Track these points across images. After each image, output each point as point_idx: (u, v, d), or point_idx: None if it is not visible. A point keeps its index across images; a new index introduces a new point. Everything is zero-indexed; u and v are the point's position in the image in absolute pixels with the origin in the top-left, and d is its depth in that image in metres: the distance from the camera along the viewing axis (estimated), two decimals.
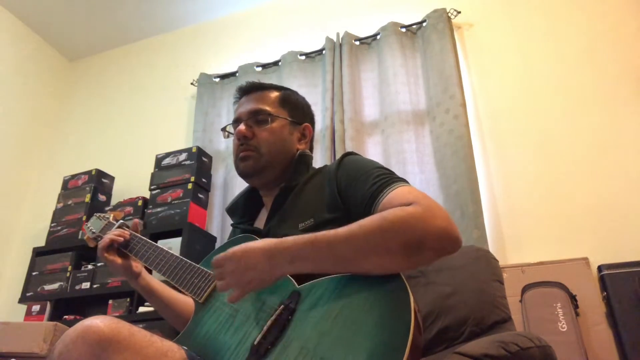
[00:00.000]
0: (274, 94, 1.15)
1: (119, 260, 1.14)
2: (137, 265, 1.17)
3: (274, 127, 1.10)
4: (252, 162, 1.08)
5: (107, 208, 2.63)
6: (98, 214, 1.37)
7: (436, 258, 0.78)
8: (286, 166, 1.11)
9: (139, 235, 1.20)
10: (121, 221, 1.29)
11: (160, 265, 1.11)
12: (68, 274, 2.43)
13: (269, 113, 1.11)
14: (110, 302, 2.26)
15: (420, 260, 0.78)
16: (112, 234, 1.16)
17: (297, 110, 1.17)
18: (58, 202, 2.71)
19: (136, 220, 1.22)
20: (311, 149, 1.20)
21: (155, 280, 1.19)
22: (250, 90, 1.17)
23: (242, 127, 1.10)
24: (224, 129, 1.22)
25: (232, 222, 1.22)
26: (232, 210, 1.21)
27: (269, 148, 1.08)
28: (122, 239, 1.16)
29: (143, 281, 1.17)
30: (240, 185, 2.29)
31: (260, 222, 1.13)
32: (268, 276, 0.84)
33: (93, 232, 1.32)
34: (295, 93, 1.21)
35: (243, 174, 1.11)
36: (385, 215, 0.79)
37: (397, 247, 0.76)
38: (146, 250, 1.15)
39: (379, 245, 0.77)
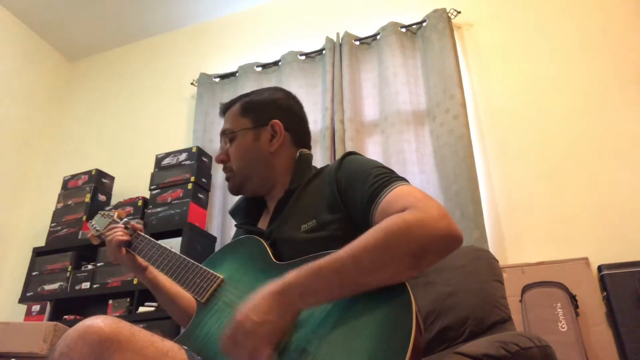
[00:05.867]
0: (236, 108, 1.17)
1: (124, 254, 1.19)
2: (143, 259, 1.19)
3: (238, 143, 1.13)
4: (231, 183, 1.14)
5: (107, 208, 2.63)
6: (102, 212, 1.37)
7: (440, 259, 0.78)
8: (266, 172, 1.11)
9: (142, 234, 1.21)
10: (125, 219, 1.29)
11: (162, 264, 1.11)
12: (68, 274, 2.43)
13: (230, 131, 1.14)
14: (110, 302, 2.26)
15: (425, 264, 0.77)
16: (119, 234, 1.21)
17: (260, 111, 1.14)
18: (58, 202, 2.71)
19: (132, 223, 1.25)
20: (301, 140, 1.16)
21: (162, 275, 1.20)
22: (224, 112, 1.20)
23: (219, 154, 1.16)
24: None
25: (234, 222, 1.23)
26: (234, 212, 1.21)
27: (237, 164, 1.12)
28: (126, 237, 1.21)
29: (150, 274, 1.20)
30: None
31: (263, 224, 1.13)
32: (284, 320, 0.77)
33: (97, 230, 1.32)
34: (259, 93, 1.18)
35: (231, 193, 1.17)
36: (385, 229, 0.77)
37: (403, 259, 0.75)
38: (149, 249, 1.15)
39: (385, 260, 0.75)
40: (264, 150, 1.11)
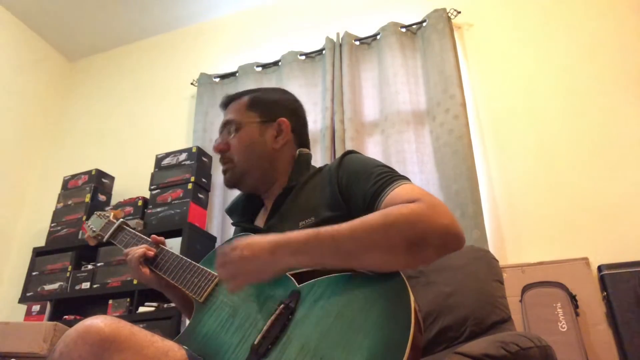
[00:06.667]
0: (244, 101, 1.16)
1: (148, 272, 1.13)
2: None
3: (242, 134, 1.11)
4: (229, 174, 1.12)
5: (107, 208, 2.63)
6: (98, 212, 1.36)
7: (439, 256, 0.78)
8: (268, 167, 1.11)
9: (139, 234, 1.21)
10: (121, 220, 1.29)
11: (160, 263, 1.11)
12: (68, 274, 2.43)
13: (236, 121, 1.13)
14: (110, 302, 2.26)
15: (422, 257, 0.78)
16: (143, 250, 1.14)
17: (268, 108, 1.15)
18: (58, 202, 2.71)
19: (154, 236, 1.20)
20: (303, 143, 1.17)
21: None
22: (227, 103, 1.19)
23: (216, 143, 1.14)
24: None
25: (232, 221, 1.22)
26: (231, 210, 1.21)
27: (239, 156, 1.11)
28: (152, 253, 1.14)
29: (181, 291, 1.15)
30: None
31: (260, 222, 1.13)
32: (269, 268, 0.84)
33: (94, 231, 1.31)
34: (268, 91, 1.20)
35: (227, 186, 1.15)
36: (388, 212, 0.79)
37: (399, 244, 0.76)
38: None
39: (381, 241, 0.77)
40: (269, 146, 1.11)
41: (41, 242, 2.68)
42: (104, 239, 1.29)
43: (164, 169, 2.53)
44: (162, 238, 1.18)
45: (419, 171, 2.24)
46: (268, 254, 0.83)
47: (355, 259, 0.79)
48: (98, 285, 2.33)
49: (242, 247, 0.85)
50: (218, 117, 2.83)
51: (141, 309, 2.16)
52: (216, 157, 2.67)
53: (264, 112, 1.14)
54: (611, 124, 2.11)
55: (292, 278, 0.88)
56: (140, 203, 2.51)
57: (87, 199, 2.62)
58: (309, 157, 1.15)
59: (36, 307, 2.39)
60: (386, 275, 0.78)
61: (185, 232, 2.24)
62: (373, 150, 2.40)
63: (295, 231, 0.83)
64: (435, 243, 0.76)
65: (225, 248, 0.88)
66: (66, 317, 2.30)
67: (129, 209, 2.52)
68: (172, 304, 2.08)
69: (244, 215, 1.18)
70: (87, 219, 2.53)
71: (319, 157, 2.38)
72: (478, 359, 0.77)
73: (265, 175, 1.11)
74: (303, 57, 2.73)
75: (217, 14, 3.27)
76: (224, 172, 1.13)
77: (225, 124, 1.15)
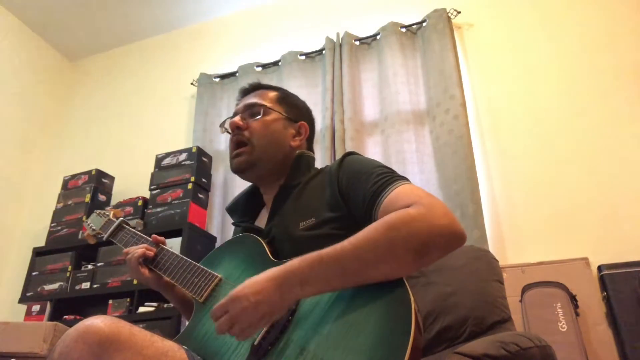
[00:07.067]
0: (272, 93, 1.19)
1: (147, 273, 1.12)
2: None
3: (267, 120, 1.12)
4: (244, 157, 1.09)
5: (107, 208, 2.63)
6: (98, 211, 1.36)
7: (443, 256, 0.79)
8: (280, 161, 1.11)
9: (139, 233, 1.21)
10: (121, 218, 1.28)
11: (160, 263, 1.11)
12: (68, 274, 2.43)
13: (265, 106, 1.13)
14: (110, 302, 2.26)
15: (427, 260, 0.78)
16: (142, 250, 1.13)
17: (294, 108, 1.19)
18: (58, 202, 2.71)
19: (154, 235, 1.19)
20: (311, 149, 1.21)
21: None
22: (250, 90, 1.21)
23: (235, 118, 1.13)
24: (222, 125, 1.23)
25: (232, 221, 1.22)
26: (232, 209, 1.21)
27: (260, 140, 1.10)
28: (151, 253, 1.13)
29: (180, 292, 1.15)
30: (240, 185, 2.29)
31: (261, 222, 1.13)
32: (280, 307, 0.79)
33: (93, 229, 1.31)
34: (294, 95, 1.24)
35: (237, 169, 1.11)
36: (389, 223, 0.78)
37: (405, 253, 0.76)
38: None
39: (387, 254, 0.76)
40: (288, 141, 1.13)
41: (41, 242, 2.68)
42: (104, 238, 1.29)
43: (164, 169, 2.53)
44: (162, 238, 1.18)
45: (419, 171, 2.24)
46: (275, 293, 0.78)
47: (362, 277, 0.77)
48: (98, 285, 2.33)
49: (246, 294, 0.78)
50: (218, 117, 2.83)
51: (141, 309, 2.16)
52: (216, 157, 2.68)
53: (290, 110, 1.17)
54: (611, 123, 2.11)
55: None
56: (140, 203, 2.51)
57: (87, 199, 2.62)
58: (310, 158, 1.16)
59: (36, 307, 2.39)
60: None
61: (185, 232, 2.24)
62: (373, 150, 2.40)
63: (294, 260, 0.80)
64: (438, 245, 0.77)
65: (223, 304, 0.80)
66: (66, 317, 2.30)
67: (129, 209, 2.52)
68: (172, 304, 2.09)
69: (244, 215, 1.18)
70: (87, 217, 2.53)
71: (319, 157, 2.38)
72: (478, 359, 0.77)
73: (275, 168, 1.11)
74: (303, 57, 2.73)
75: (217, 14, 3.27)
76: (237, 155, 1.10)
77: (250, 106, 1.14)
